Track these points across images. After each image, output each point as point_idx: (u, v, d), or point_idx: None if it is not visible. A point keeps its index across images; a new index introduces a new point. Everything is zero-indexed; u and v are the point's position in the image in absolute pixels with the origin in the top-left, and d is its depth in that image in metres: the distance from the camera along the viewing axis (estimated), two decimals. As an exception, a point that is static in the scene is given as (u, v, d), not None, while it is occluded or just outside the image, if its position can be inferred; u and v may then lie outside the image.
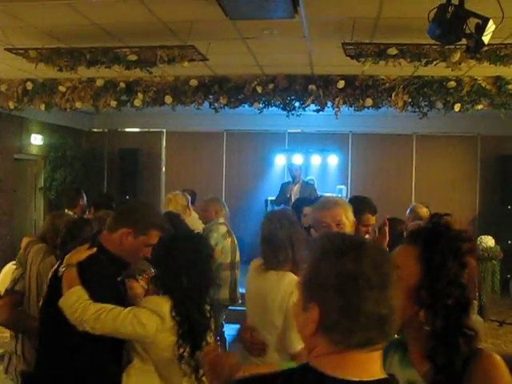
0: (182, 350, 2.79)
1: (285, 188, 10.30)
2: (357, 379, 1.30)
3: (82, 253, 2.93)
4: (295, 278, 2.99)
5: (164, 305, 2.80)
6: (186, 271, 2.81)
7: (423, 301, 1.67)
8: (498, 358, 1.70)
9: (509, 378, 1.67)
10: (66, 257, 2.91)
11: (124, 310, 2.75)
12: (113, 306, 2.76)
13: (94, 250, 2.94)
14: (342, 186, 11.90)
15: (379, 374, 1.34)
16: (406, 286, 1.65)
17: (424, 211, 6.33)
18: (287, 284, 3.02)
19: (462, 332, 1.70)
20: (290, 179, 10.61)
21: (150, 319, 2.75)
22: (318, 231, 3.29)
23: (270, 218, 3.30)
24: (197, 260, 2.86)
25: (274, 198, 11.14)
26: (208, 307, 2.98)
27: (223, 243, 6.28)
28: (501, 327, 9.21)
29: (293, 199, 9.52)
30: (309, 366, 1.35)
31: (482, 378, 1.65)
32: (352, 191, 11.79)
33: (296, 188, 10.01)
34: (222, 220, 6.43)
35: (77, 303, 2.72)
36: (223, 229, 6.38)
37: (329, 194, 10.47)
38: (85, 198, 7.19)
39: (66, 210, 6.97)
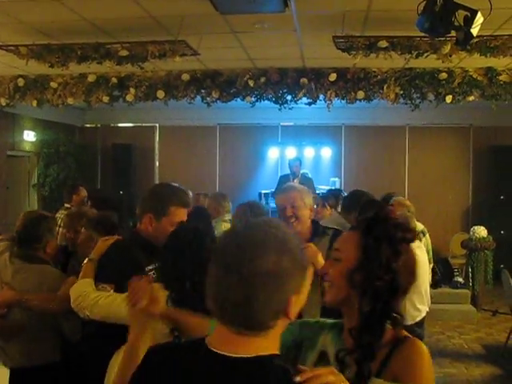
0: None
1: (284, 182, 10.31)
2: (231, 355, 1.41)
3: (101, 245, 3.11)
4: None
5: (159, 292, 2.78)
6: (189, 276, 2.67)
7: (356, 282, 1.78)
8: (424, 346, 1.80)
9: (430, 367, 1.77)
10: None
11: (121, 295, 2.73)
12: (112, 293, 2.82)
13: (111, 239, 3.11)
14: (336, 179, 11.93)
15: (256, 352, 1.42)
16: (345, 268, 1.82)
17: (407, 204, 6.35)
18: None
19: (388, 315, 1.79)
20: (285, 172, 10.67)
21: None
22: (279, 215, 3.51)
23: (236, 211, 3.51)
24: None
25: (267, 191, 11.20)
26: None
27: None
28: (493, 317, 9.30)
29: None
30: (200, 341, 1.48)
31: (404, 364, 1.74)
32: (345, 183, 11.84)
33: (296, 183, 10.04)
34: (227, 217, 6.30)
35: (81, 292, 2.89)
36: (226, 226, 6.27)
37: (323, 187, 10.52)
38: (83, 193, 7.27)
39: (65, 205, 7.14)
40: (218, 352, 1.42)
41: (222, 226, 6.02)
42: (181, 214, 3.07)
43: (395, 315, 1.82)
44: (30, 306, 3.53)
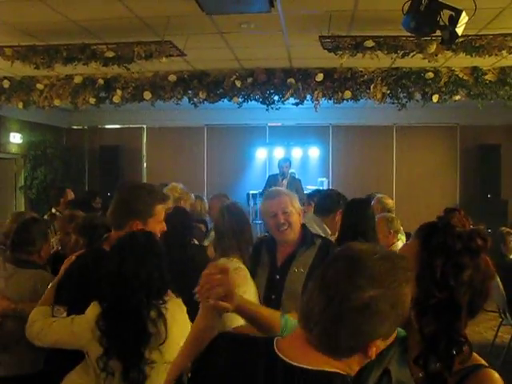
0: (102, 365, 2.54)
1: (272, 181, 10.32)
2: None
3: (64, 266, 3.00)
4: (237, 265, 3.13)
5: (90, 311, 2.65)
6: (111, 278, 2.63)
7: (412, 298, 1.54)
8: (497, 375, 1.63)
9: None
10: None
11: (65, 320, 2.72)
12: (58, 319, 2.76)
13: (72, 258, 3.00)
14: (324, 179, 11.95)
15: None
16: None
17: (390, 202, 6.37)
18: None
19: (451, 339, 1.62)
20: (273, 172, 10.66)
21: (81, 327, 2.64)
22: (267, 221, 3.37)
23: (219, 211, 3.45)
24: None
25: (255, 191, 11.21)
26: (155, 313, 2.63)
27: None
28: (481, 314, 9.31)
29: None
30: (269, 341, 1.51)
31: None
32: (333, 183, 11.84)
33: (285, 183, 10.05)
34: None
35: (30, 321, 2.84)
36: None
37: (311, 187, 10.51)
38: (71, 196, 7.22)
39: (53, 209, 7.05)
40: (284, 359, 1.43)
41: None
42: (163, 210, 3.07)
43: (461, 339, 1.64)
44: (26, 314, 3.46)
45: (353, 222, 4.08)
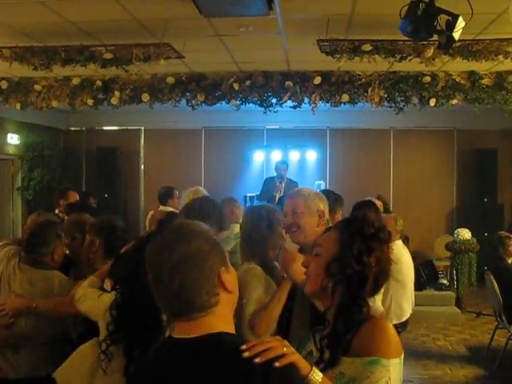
0: (104, 347, 2.61)
1: (269, 183, 10.37)
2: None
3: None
4: (251, 265, 3.20)
5: (111, 294, 2.79)
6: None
7: (332, 272, 2.01)
8: (386, 323, 2.01)
9: (390, 341, 1.92)
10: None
11: (96, 293, 3.05)
12: (92, 290, 3.09)
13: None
14: (321, 182, 11.95)
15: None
16: (325, 260, 2.05)
17: (378, 204, 6.41)
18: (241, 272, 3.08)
19: (357, 302, 1.98)
20: (270, 175, 10.68)
21: (101, 304, 2.85)
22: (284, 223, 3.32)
23: (248, 216, 3.42)
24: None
25: (253, 194, 11.24)
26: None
27: (234, 243, 5.96)
28: (477, 318, 9.39)
29: (277, 196, 9.60)
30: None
31: (364, 339, 1.91)
32: (330, 186, 11.82)
33: (282, 186, 10.09)
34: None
35: (80, 286, 3.20)
36: (237, 228, 6.18)
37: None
38: (73, 198, 7.20)
39: (56, 210, 7.06)
40: (176, 337, 1.64)
41: (233, 227, 6.04)
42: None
43: (362, 302, 1.99)
44: (40, 312, 3.52)
45: None
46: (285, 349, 1.57)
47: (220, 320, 1.64)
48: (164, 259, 1.60)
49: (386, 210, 7.11)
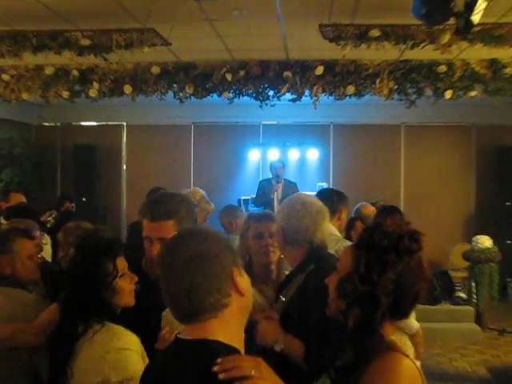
0: None
1: (265, 186, 10.34)
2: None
3: None
4: None
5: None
6: None
7: (341, 291, 1.96)
8: (404, 361, 1.85)
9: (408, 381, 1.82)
10: None
11: None
12: None
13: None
14: (323, 184, 11.88)
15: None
16: (338, 278, 2.00)
17: (370, 210, 6.43)
18: None
19: (367, 329, 1.89)
20: (266, 176, 10.65)
21: None
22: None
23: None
24: None
25: (248, 197, 11.26)
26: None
27: None
28: (500, 336, 9.31)
29: (275, 201, 9.55)
30: None
31: (374, 379, 1.81)
32: (334, 187, 11.80)
33: (280, 188, 10.06)
34: None
35: None
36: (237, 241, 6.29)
37: (309, 193, 10.49)
38: (16, 200, 6.99)
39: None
40: (179, 336, 1.77)
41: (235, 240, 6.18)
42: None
43: (374, 331, 1.90)
44: (1, 339, 3.34)
45: None
46: (253, 371, 1.60)
47: (224, 328, 1.73)
48: (176, 256, 1.73)
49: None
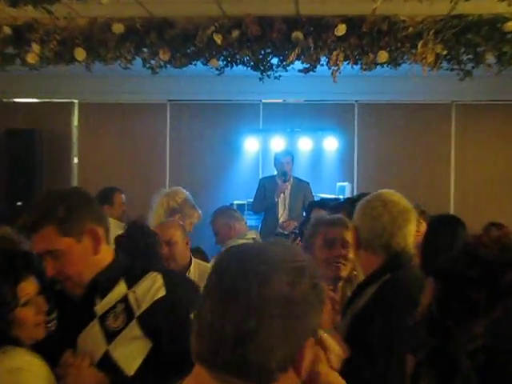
0: None
1: (267, 187, 10.36)
2: None
3: None
4: None
5: None
6: None
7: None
8: None
9: None
10: None
11: None
12: None
13: None
14: (345, 183, 11.90)
15: None
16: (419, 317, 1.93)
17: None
18: None
19: None
20: (269, 173, 10.67)
21: None
22: None
23: None
24: None
25: (243, 201, 11.36)
26: None
27: None
28: None
29: (281, 206, 9.83)
30: None
31: None
32: (359, 189, 11.83)
33: (288, 188, 10.07)
34: (251, 235, 6.69)
35: None
36: None
37: (325, 195, 10.48)
38: None
39: None
40: None
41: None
42: None
43: None
44: None
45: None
46: None
47: None
48: (249, 287, 1.61)
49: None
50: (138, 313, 3.02)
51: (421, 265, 4.51)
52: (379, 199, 3.54)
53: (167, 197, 6.57)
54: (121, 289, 3.10)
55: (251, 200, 10.77)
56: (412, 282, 3.09)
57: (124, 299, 3.07)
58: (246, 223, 7.15)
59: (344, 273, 3.75)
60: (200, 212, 6.81)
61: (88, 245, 3.05)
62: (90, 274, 3.08)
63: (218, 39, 8.14)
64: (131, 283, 3.13)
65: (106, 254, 3.16)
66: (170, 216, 6.40)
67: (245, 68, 8.39)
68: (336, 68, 8.12)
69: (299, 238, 6.23)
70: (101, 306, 3.06)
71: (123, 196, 7.98)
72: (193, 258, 5.80)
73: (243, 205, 11.23)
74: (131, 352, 2.99)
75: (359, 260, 3.52)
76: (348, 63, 8.18)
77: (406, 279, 3.29)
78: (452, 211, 11.68)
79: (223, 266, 1.69)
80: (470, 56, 7.90)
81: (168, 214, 6.50)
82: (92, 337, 3.03)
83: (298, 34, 8.10)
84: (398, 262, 3.32)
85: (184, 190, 6.70)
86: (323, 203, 7.39)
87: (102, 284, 3.10)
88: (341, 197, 10.71)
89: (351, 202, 6.52)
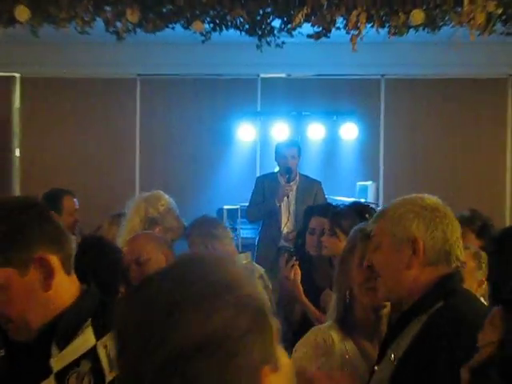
0: None
1: (266, 187, 10.30)
2: None
3: None
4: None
5: None
6: None
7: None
8: None
9: None
10: None
11: None
12: None
13: None
14: (368, 183, 11.87)
15: None
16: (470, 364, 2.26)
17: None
18: None
19: None
20: (269, 170, 10.71)
21: None
22: None
23: None
24: None
25: (235, 206, 11.41)
26: None
27: None
28: None
29: (285, 212, 9.86)
30: None
31: None
32: (386, 190, 11.92)
33: (293, 189, 10.01)
34: (240, 260, 6.61)
35: None
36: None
37: (342, 198, 10.45)
38: None
39: None
40: None
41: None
42: None
43: None
44: None
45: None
46: None
47: None
48: (156, 341, 1.63)
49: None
50: (110, 377, 2.82)
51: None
52: (416, 203, 3.50)
53: (146, 202, 6.50)
54: (86, 338, 2.95)
55: (246, 205, 10.68)
56: (474, 313, 3.10)
57: (91, 354, 2.92)
58: (231, 241, 6.96)
59: None
60: (183, 222, 6.74)
61: (35, 278, 2.90)
62: (41, 316, 2.93)
63: (202, -5, 8.13)
64: (102, 332, 2.94)
65: (67, 290, 3.00)
66: (149, 228, 6.29)
67: (238, 33, 8.35)
68: (356, 33, 8.08)
69: (294, 258, 6.32)
70: (59, 359, 2.90)
71: (75, 200, 7.88)
72: None
73: (235, 210, 11.27)
74: None
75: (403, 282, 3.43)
76: (372, 26, 8.14)
77: (466, 309, 3.28)
78: (508, 213, 11.71)
79: (123, 321, 1.74)
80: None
81: (145, 224, 6.40)
82: None
83: (306, -11, 8.08)
84: (452, 283, 3.31)
85: (167, 196, 6.64)
86: (324, 209, 7.23)
87: (60, 330, 2.95)
88: (362, 200, 10.66)
89: (358, 209, 6.55)
